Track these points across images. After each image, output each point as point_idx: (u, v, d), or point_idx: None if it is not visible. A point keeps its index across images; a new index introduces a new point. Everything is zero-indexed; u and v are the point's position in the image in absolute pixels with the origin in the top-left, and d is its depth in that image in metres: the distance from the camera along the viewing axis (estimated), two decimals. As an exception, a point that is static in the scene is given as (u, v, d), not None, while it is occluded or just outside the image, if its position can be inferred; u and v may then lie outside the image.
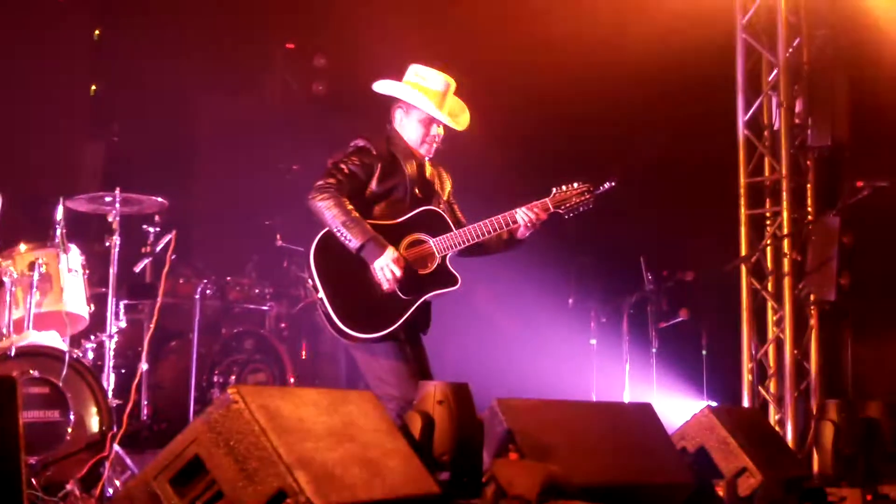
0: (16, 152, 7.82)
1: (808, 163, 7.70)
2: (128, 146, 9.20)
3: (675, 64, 7.84)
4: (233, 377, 7.36)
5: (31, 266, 5.27)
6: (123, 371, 6.65)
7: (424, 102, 4.62)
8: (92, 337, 5.84)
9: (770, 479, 4.79)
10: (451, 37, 8.25)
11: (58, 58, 8.62)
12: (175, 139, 9.44)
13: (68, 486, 4.62)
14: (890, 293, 7.51)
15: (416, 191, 4.65)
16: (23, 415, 2.89)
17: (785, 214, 7.60)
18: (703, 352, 8.32)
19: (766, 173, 7.78)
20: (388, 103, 4.73)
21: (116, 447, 4.91)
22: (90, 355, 5.80)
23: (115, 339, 5.87)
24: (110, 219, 5.84)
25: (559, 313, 8.32)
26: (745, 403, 7.54)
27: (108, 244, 5.81)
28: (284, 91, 10.07)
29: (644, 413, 4.76)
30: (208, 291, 7.38)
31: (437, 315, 4.62)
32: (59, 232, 5.44)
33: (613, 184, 4.66)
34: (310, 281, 4.44)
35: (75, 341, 5.73)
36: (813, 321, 7.54)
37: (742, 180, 7.78)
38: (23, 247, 5.40)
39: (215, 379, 7.31)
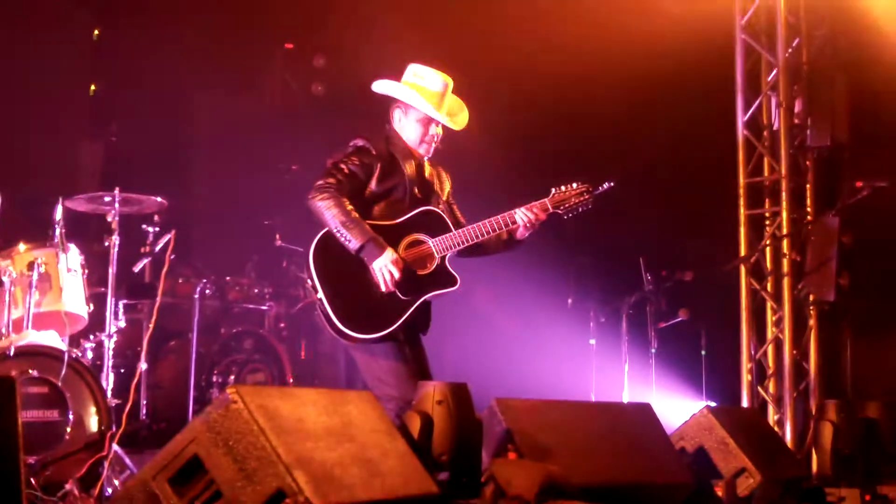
0: (15, 152, 7.82)
1: (808, 163, 7.70)
2: (127, 146, 9.20)
3: (675, 64, 7.85)
4: (232, 377, 7.36)
5: (31, 266, 5.27)
6: (122, 371, 6.66)
7: (422, 103, 4.62)
8: (91, 337, 5.84)
9: (769, 480, 4.79)
10: (451, 37, 8.25)
11: (57, 57, 8.61)
12: (175, 139, 9.44)
13: (67, 486, 4.61)
14: (890, 293, 7.51)
15: (416, 191, 4.65)
16: (22, 414, 2.89)
17: (784, 215, 7.60)
18: (703, 352, 8.33)
19: (766, 173, 7.78)
20: (387, 103, 4.73)
21: (115, 447, 4.91)
22: (89, 355, 5.80)
23: (115, 338, 5.87)
24: (109, 218, 5.84)
25: (558, 313, 8.32)
26: (745, 404, 7.54)
27: (107, 244, 5.81)
28: (284, 91, 10.06)
29: (643, 413, 4.76)
30: (207, 291, 7.38)
31: (436, 315, 4.62)
32: (58, 231, 5.44)
33: (612, 184, 4.67)
34: (309, 281, 4.44)
35: (74, 341, 5.73)
36: (812, 321, 7.54)
37: (741, 180, 7.78)
38: (22, 246, 5.40)
39: (214, 379, 7.31)
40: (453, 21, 8.58)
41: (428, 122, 4.66)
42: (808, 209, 7.69)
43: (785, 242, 7.57)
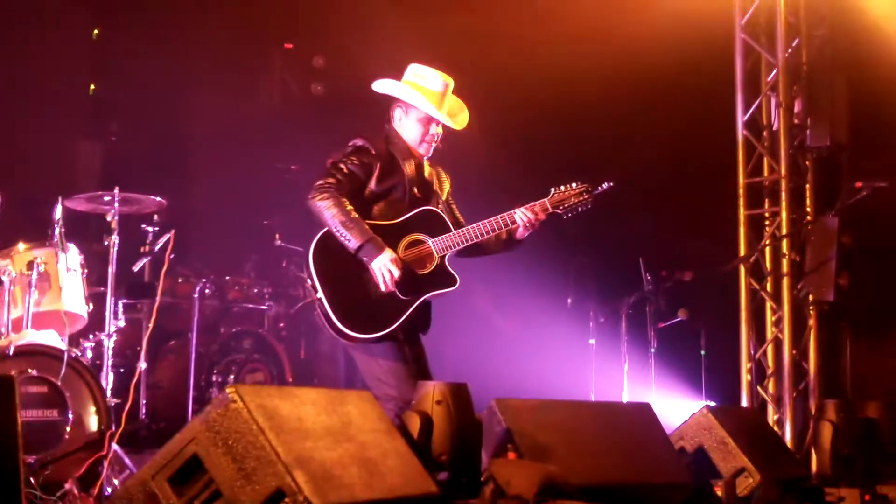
0: (14, 151, 7.81)
1: (807, 163, 7.70)
2: (127, 145, 9.19)
3: (675, 64, 7.85)
4: (231, 377, 7.35)
5: (30, 265, 5.27)
6: (122, 370, 6.66)
7: (423, 102, 4.63)
8: (90, 336, 5.83)
9: (768, 480, 4.78)
10: (451, 37, 8.25)
11: (56, 57, 8.60)
12: (174, 139, 9.42)
13: (67, 486, 4.62)
14: (889, 293, 7.51)
15: (415, 190, 4.65)
16: (21, 414, 2.89)
17: (784, 215, 7.60)
18: (702, 352, 8.32)
19: (765, 174, 7.78)
20: (387, 103, 4.73)
21: (115, 446, 4.92)
22: (89, 354, 5.80)
23: (114, 338, 5.86)
24: (109, 218, 5.83)
25: (558, 313, 8.32)
26: (744, 403, 7.54)
27: (106, 243, 5.80)
28: (283, 91, 10.06)
29: (643, 413, 4.75)
30: (207, 291, 7.38)
31: (436, 315, 4.62)
32: (57, 231, 5.43)
33: (612, 184, 4.67)
34: (309, 281, 4.44)
35: (74, 340, 5.73)
36: (812, 321, 7.54)
37: (741, 180, 7.79)
38: (21, 246, 5.39)
39: (214, 378, 7.31)
40: (453, 21, 8.58)
41: (428, 121, 4.66)
42: (808, 209, 7.69)
43: (784, 242, 7.57)
